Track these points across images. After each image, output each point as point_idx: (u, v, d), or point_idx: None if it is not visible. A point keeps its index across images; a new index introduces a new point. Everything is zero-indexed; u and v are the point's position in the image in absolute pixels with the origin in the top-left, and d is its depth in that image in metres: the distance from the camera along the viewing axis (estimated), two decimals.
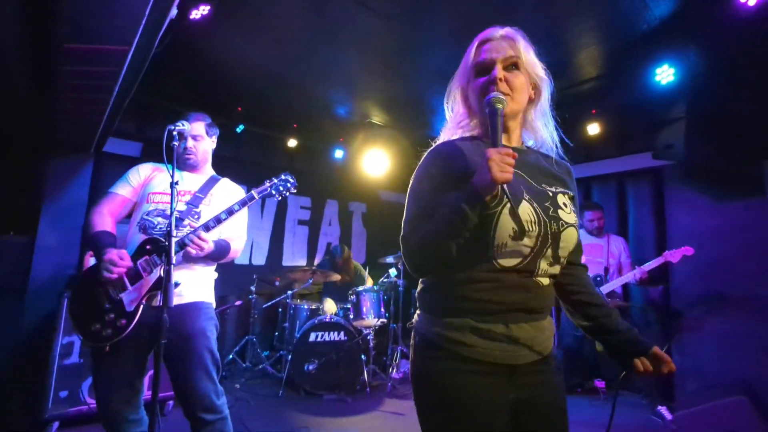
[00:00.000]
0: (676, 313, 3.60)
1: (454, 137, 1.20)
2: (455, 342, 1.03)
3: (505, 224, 0.98)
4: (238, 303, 4.06)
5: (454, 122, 1.23)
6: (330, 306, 4.14)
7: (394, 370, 4.00)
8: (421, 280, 1.16)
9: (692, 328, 3.54)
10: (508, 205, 0.98)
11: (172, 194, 1.60)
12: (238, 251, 1.99)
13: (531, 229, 0.99)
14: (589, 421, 3.09)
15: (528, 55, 1.11)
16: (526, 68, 1.10)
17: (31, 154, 3.28)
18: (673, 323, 3.62)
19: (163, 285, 1.48)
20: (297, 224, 5.28)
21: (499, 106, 1.00)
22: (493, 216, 0.98)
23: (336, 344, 3.55)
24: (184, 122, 1.80)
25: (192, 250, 1.70)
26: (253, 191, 1.86)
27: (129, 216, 1.91)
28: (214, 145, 2.05)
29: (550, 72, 1.17)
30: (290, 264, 5.10)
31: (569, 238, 1.05)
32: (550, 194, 1.07)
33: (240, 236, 1.99)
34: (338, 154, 5.23)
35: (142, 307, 1.66)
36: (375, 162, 4.97)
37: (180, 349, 1.69)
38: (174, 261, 1.55)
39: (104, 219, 1.78)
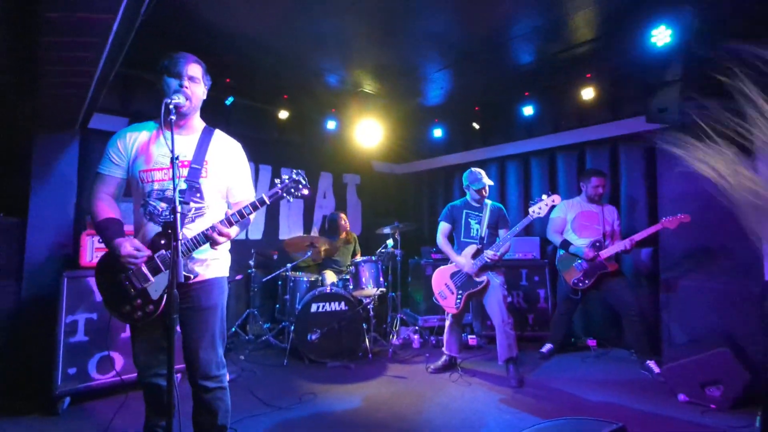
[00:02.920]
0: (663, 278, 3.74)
1: None
2: None
3: None
4: (239, 277, 4.10)
5: None
6: (330, 277, 4.20)
7: (394, 337, 4.11)
8: None
9: (678, 287, 3.68)
10: None
11: (173, 170, 1.56)
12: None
13: None
14: (581, 377, 3.27)
15: None
16: None
17: (16, 133, 3.18)
18: (661, 285, 3.76)
19: (171, 261, 1.48)
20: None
21: None
22: None
23: (337, 314, 3.62)
24: (179, 95, 1.74)
25: (218, 243, 1.71)
26: (263, 195, 1.76)
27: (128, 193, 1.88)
28: (205, 96, 1.89)
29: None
30: (287, 238, 5.10)
31: None
32: None
33: (251, 196, 1.93)
34: (331, 125, 5.14)
35: (166, 295, 1.71)
36: (368, 133, 4.91)
37: (193, 320, 1.77)
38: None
39: (106, 204, 1.77)
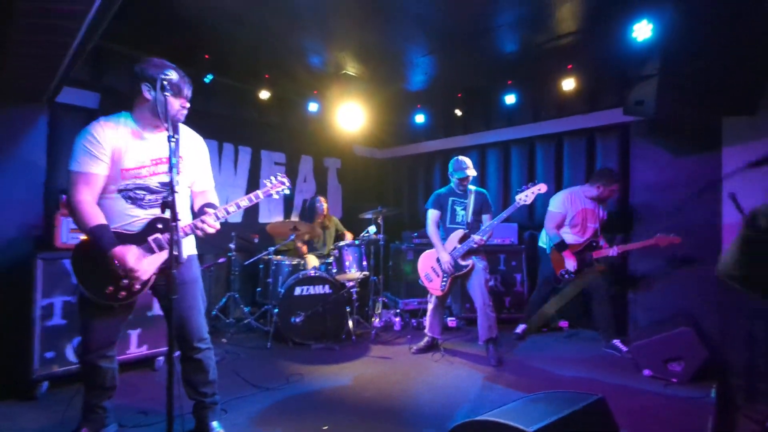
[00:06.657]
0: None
1: None
2: None
3: None
4: (221, 260, 4.04)
5: None
6: (312, 261, 4.19)
7: (376, 320, 4.19)
8: None
9: (643, 272, 3.92)
10: None
11: (170, 146, 1.55)
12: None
13: None
14: (555, 356, 3.45)
15: None
16: None
17: None
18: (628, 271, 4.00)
19: (171, 241, 1.47)
20: None
21: None
22: None
23: (321, 297, 3.65)
24: (172, 71, 1.70)
25: (202, 232, 1.87)
26: (259, 192, 2.08)
27: None
28: None
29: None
30: (267, 221, 5.04)
31: None
32: None
33: (212, 185, 2.14)
34: (312, 107, 5.06)
35: (155, 276, 1.83)
36: (350, 116, 4.87)
37: (181, 292, 1.81)
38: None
39: (91, 207, 1.73)
